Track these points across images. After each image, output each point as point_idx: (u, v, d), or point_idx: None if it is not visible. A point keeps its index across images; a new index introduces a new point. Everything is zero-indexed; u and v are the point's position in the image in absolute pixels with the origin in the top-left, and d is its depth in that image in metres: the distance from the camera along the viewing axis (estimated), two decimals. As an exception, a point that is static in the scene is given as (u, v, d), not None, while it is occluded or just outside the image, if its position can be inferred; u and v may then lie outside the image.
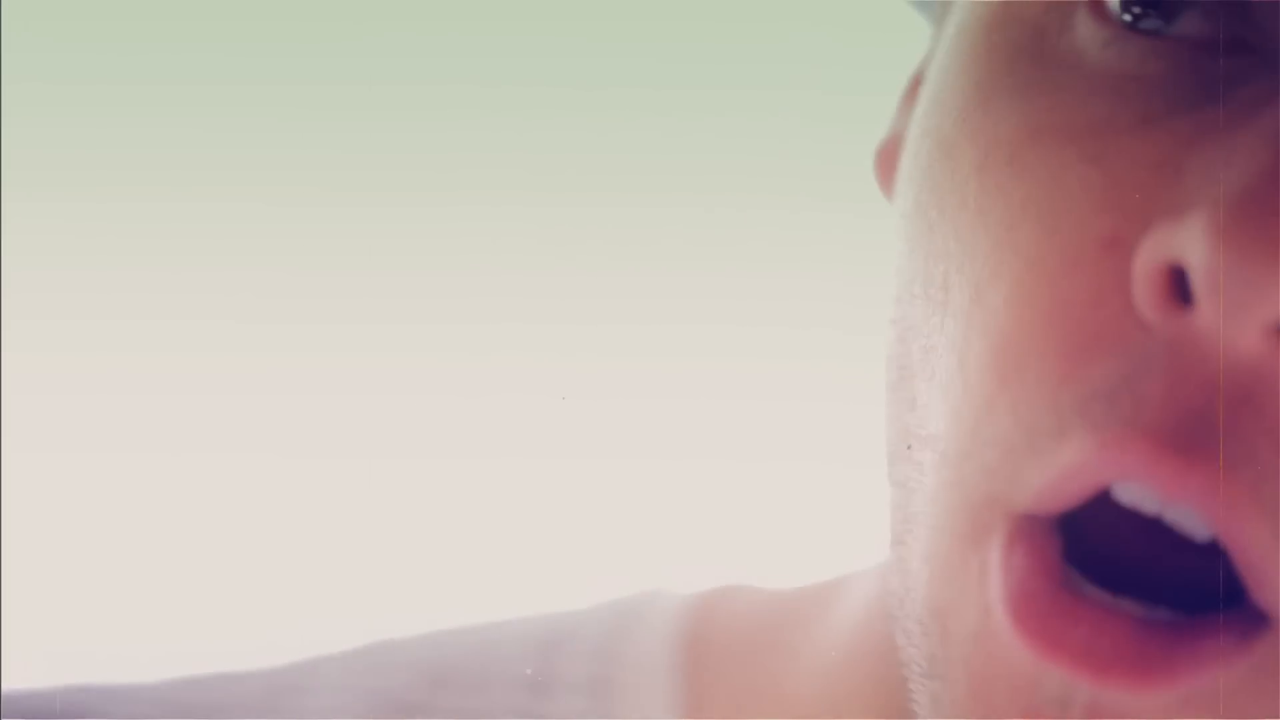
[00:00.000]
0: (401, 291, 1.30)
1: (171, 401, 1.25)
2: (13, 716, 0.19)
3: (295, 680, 0.18)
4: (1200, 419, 0.09)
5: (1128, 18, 0.10)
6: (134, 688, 0.21)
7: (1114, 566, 0.10)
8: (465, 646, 0.17)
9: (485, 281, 1.40)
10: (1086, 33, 0.10)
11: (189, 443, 1.19)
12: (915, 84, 0.14)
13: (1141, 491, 0.09)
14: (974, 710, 0.10)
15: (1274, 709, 0.09)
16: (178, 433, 1.19)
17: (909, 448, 0.11)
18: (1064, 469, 0.09)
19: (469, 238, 1.41)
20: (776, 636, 0.16)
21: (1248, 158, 0.08)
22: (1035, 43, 0.11)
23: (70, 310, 1.45)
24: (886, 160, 0.15)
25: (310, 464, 1.18)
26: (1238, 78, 0.09)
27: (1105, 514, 0.10)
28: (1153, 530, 0.09)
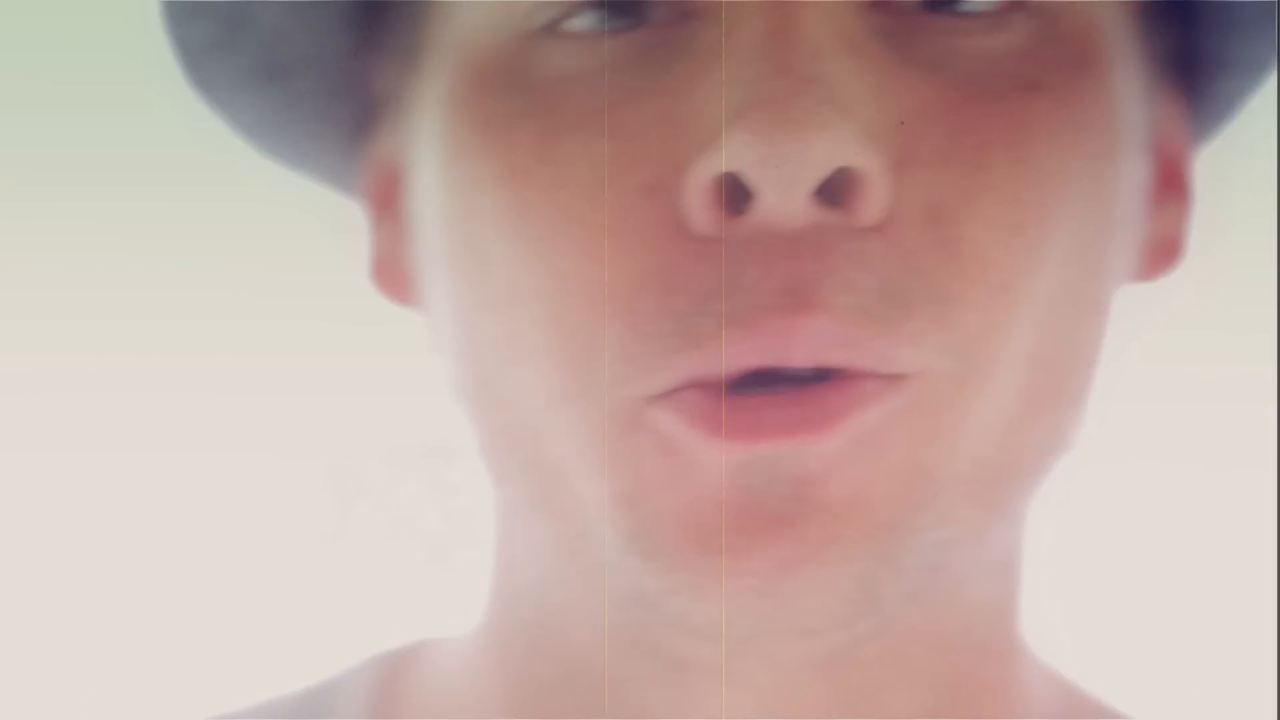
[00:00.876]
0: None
1: (171, 401, 1.24)
2: None
3: None
4: (795, 284, 0.11)
5: (592, 28, 0.12)
6: None
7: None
8: None
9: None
10: (559, 50, 0.12)
11: (186, 442, 1.18)
12: (383, 192, 0.16)
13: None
14: (690, 540, 0.11)
15: (928, 429, 0.12)
16: (174, 432, 1.18)
17: (517, 425, 0.13)
18: (708, 359, 0.11)
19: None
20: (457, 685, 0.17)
21: (744, 80, 0.11)
22: (513, 76, 0.12)
23: (64, 310, 1.42)
24: (390, 275, 0.16)
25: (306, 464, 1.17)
26: (694, 39, 0.12)
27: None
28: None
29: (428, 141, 0.14)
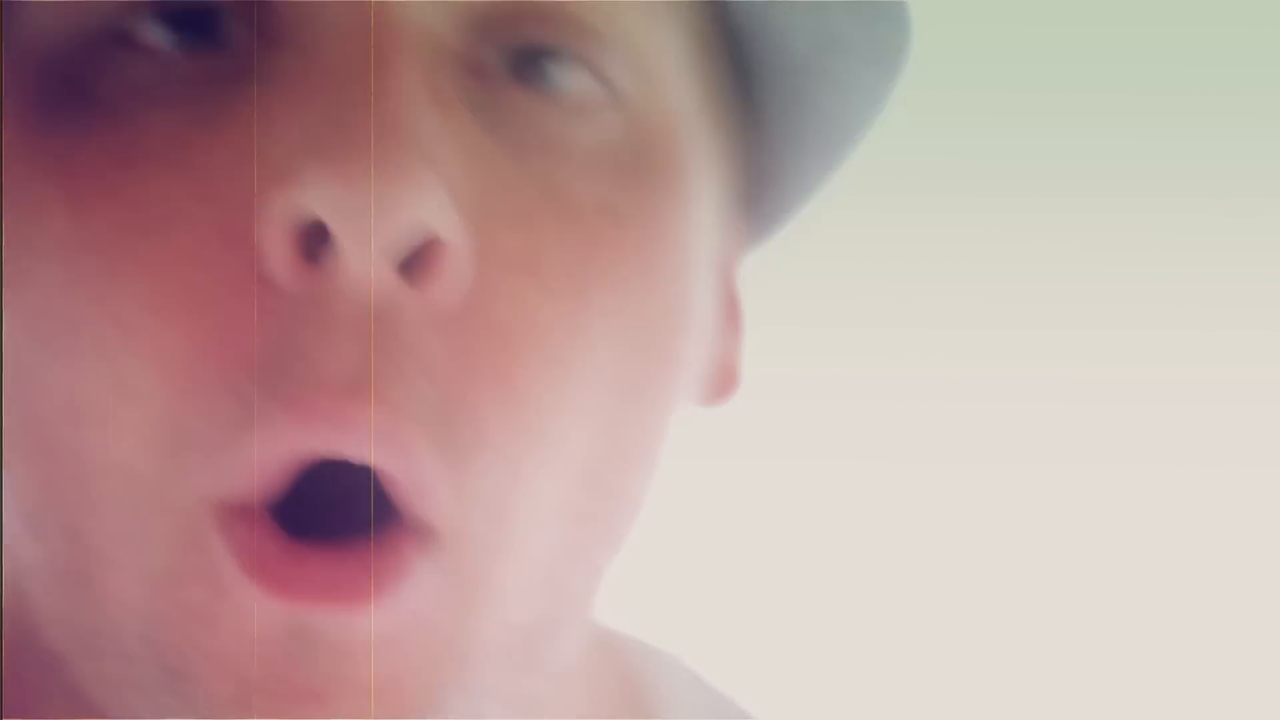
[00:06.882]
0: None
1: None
2: None
3: None
4: (360, 365, 0.10)
5: (166, 44, 0.11)
6: None
7: (306, 506, 0.11)
8: None
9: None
10: (130, 62, 0.11)
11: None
12: None
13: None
14: (228, 697, 0.10)
15: (462, 600, 0.11)
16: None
17: (73, 493, 0.11)
18: (262, 452, 0.10)
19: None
20: None
21: (330, 118, 0.10)
22: (78, 84, 0.11)
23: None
24: None
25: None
26: (277, 69, 0.11)
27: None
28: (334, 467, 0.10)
29: None
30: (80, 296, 0.11)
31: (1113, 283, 0.94)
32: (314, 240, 0.10)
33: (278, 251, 0.10)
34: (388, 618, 0.11)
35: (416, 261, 0.10)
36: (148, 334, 0.10)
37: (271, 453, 0.10)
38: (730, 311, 0.15)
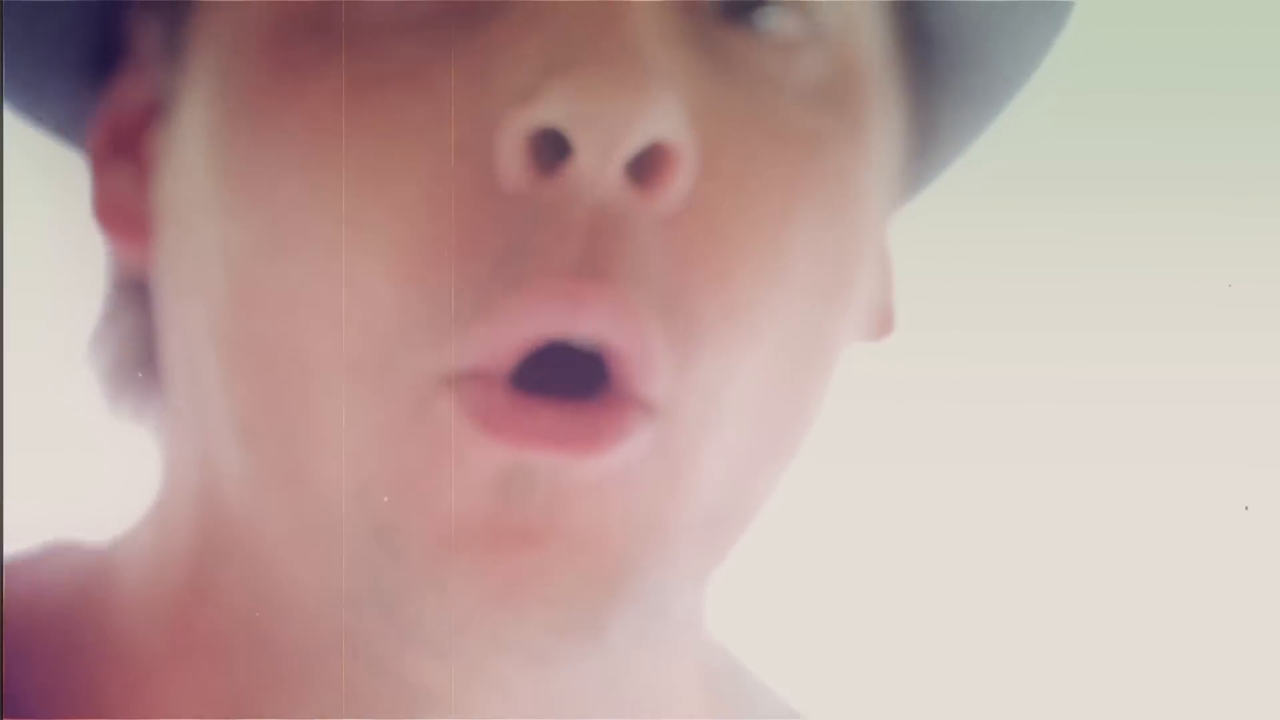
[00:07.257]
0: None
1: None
2: None
3: None
4: (591, 255, 0.11)
5: None
6: None
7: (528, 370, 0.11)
8: None
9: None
10: (367, 3, 0.12)
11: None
12: (118, 134, 0.15)
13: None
14: (441, 540, 0.11)
15: (667, 474, 0.12)
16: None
17: (287, 384, 0.12)
18: (498, 330, 0.11)
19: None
20: (92, 595, 0.16)
21: (569, 41, 0.11)
22: (314, 23, 0.12)
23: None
24: (120, 216, 0.15)
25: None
26: (502, 3, 0.12)
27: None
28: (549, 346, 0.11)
29: (204, 82, 0.13)
30: (316, 203, 0.12)
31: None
32: (545, 151, 0.11)
33: (514, 159, 0.11)
34: (600, 469, 0.11)
35: (645, 166, 0.11)
36: (382, 231, 0.11)
37: (505, 334, 0.11)
38: (884, 259, 0.16)
